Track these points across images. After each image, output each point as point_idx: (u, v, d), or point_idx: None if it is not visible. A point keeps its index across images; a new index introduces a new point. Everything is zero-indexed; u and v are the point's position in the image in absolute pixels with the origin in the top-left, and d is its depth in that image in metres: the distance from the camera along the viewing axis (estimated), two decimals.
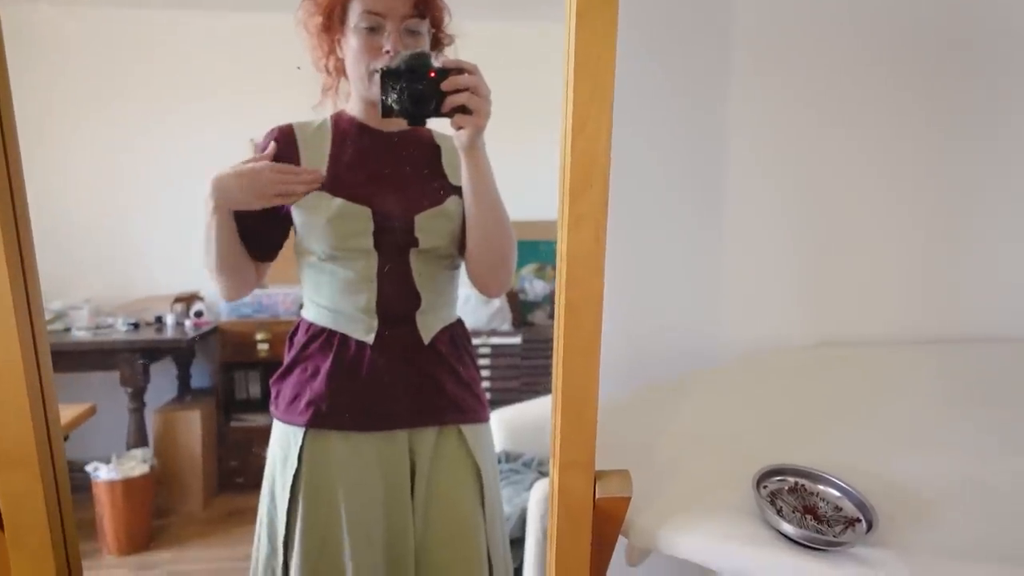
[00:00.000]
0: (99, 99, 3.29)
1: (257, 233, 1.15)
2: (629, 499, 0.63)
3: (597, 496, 0.62)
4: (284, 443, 1.16)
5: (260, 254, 1.18)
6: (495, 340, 3.05)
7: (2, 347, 0.63)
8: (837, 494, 0.71)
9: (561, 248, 0.58)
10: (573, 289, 0.58)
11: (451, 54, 1.23)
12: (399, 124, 1.00)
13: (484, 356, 2.98)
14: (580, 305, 0.58)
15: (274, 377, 1.20)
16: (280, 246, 1.19)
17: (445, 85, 0.95)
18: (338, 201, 1.11)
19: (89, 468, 2.58)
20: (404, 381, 1.16)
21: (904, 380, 1.03)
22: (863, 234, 1.13)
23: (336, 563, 1.13)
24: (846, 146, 1.07)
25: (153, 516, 2.72)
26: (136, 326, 3.01)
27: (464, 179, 1.06)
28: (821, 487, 0.72)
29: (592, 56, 0.51)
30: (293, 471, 1.14)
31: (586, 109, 0.53)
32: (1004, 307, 1.13)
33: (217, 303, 3.21)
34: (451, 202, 1.15)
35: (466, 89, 0.95)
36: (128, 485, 2.56)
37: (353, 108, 1.20)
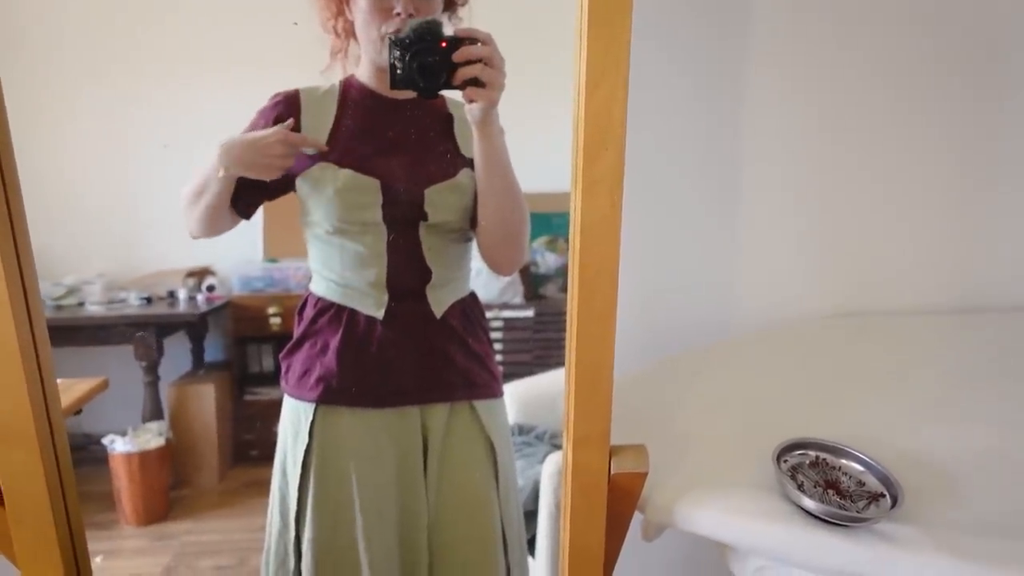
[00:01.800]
0: (107, 72, 3.26)
1: (248, 195, 1.12)
2: (645, 474, 0.61)
3: (612, 472, 0.60)
4: (295, 419, 1.15)
5: (243, 212, 1.16)
6: (507, 313, 3.03)
7: None
8: (860, 468, 0.69)
9: (575, 215, 0.56)
10: (588, 257, 0.55)
11: (465, 15, 1.19)
12: (409, 92, 0.96)
13: (496, 329, 2.97)
14: (595, 273, 0.55)
15: (283, 352, 1.19)
16: (260, 203, 1.16)
17: (457, 56, 0.90)
18: (346, 172, 1.08)
19: (106, 441, 2.61)
20: (415, 356, 1.14)
21: (926, 351, 1.00)
22: (882, 204, 1.09)
23: (349, 538, 1.13)
24: (866, 115, 1.03)
25: (170, 488, 2.76)
26: (149, 300, 3.02)
27: (476, 153, 1.02)
28: (843, 461, 0.70)
29: (607, 5, 0.48)
30: (304, 447, 1.13)
31: (601, 64, 0.50)
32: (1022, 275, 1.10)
33: (229, 277, 3.21)
34: (463, 175, 1.12)
35: (479, 60, 0.90)
36: (144, 457, 2.60)
37: (363, 73, 1.16)
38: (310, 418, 1.13)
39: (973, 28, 1.04)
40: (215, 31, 3.28)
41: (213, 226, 1.13)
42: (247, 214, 1.17)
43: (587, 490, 0.59)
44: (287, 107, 1.13)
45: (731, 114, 0.97)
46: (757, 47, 0.95)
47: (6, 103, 0.71)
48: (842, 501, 0.65)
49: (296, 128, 1.12)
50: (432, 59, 0.90)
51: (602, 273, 0.55)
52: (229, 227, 1.16)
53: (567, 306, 0.59)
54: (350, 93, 1.16)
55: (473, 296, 1.24)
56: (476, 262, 1.27)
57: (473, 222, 1.13)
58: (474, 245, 1.20)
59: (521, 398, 2.04)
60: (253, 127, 1.14)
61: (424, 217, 1.10)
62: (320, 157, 1.11)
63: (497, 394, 1.22)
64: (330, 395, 1.12)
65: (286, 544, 1.16)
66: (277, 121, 1.12)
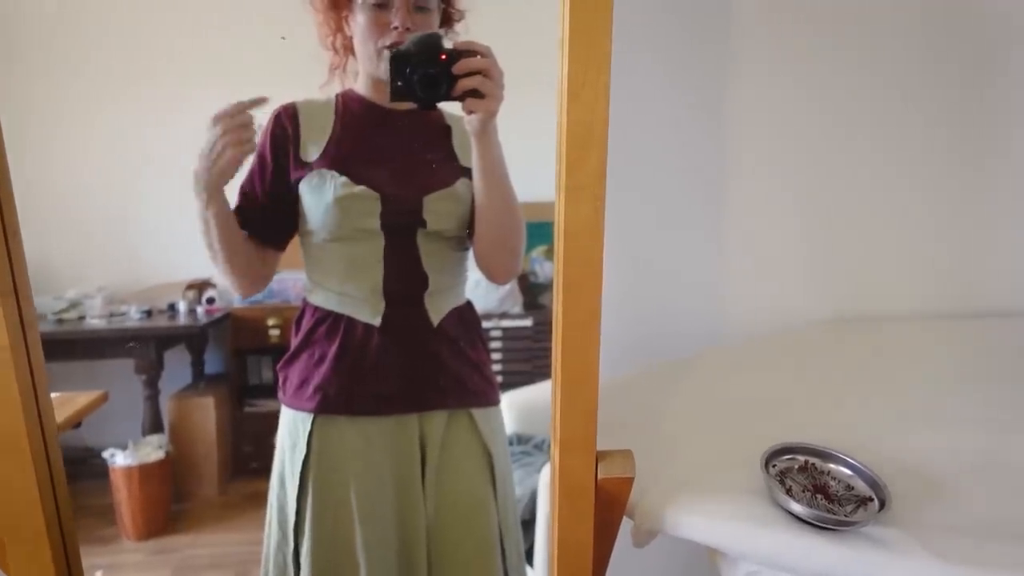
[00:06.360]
0: (111, 88, 3.29)
1: (266, 220, 1.14)
2: (632, 480, 0.61)
3: (599, 477, 0.60)
4: (293, 429, 1.15)
5: (273, 242, 1.17)
6: (506, 323, 3.03)
7: None
8: (849, 472, 0.69)
9: (559, 221, 0.56)
10: (571, 263, 0.56)
11: (462, 30, 1.20)
12: (408, 103, 0.98)
13: (495, 339, 2.97)
14: (579, 280, 0.56)
15: (281, 363, 1.19)
16: (293, 231, 1.16)
17: (457, 68, 0.91)
18: (343, 180, 1.09)
19: (106, 454, 2.60)
20: (413, 364, 1.14)
21: (917, 356, 1.00)
22: (873, 209, 1.09)
23: (348, 549, 1.12)
24: (858, 117, 1.04)
25: (170, 501, 2.75)
26: (149, 313, 3.03)
27: (474, 164, 1.03)
28: (832, 466, 0.70)
29: (588, 14, 0.49)
30: (303, 457, 1.13)
31: (582, 72, 0.51)
32: (1019, 281, 1.10)
33: (229, 290, 3.22)
34: (461, 184, 1.13)
35: (478, 72, 0.92)
36: (144, 471, 2.59)
37: (361, 87, 1.18)
38: (308, 428, 1.13)
39: (967, 31, 1.05)
40: (220, 47, 3.31)
41: (244, 270, 1.13)
42: (279, 244, 1.18)
43: (574, 496, 0.60)
44: (285, 119, 1.14)
45: (720, 117, 0.98)
46: (745, 49, 0.96)
47: (7, 116, 0.71)
48: (830, 505, 0.65)
49: (295, 138, 1.13)
50: (432, 71, 0.91)
51: (586, 278, 0.55)
52: (265, 267, 1.17)
53: (552, 311, 0.59)
54: (347, 104, 1.17)
55: (469, 304, 1.24)
56: (475, 272, 1.27)
57: (470, 231, 1.14)
58: (470, 254, 1.21)
59: (520, 407, 2.05)
60: (260, 146, 1.15)
61: (423, 224, 1.11)
62: (319, 164, 1.12)
63: (494, 402, 1.23)
64: (328, 405, 1.12)
65: (285, 556, 1.16)
66: (277, 137, 1.13)
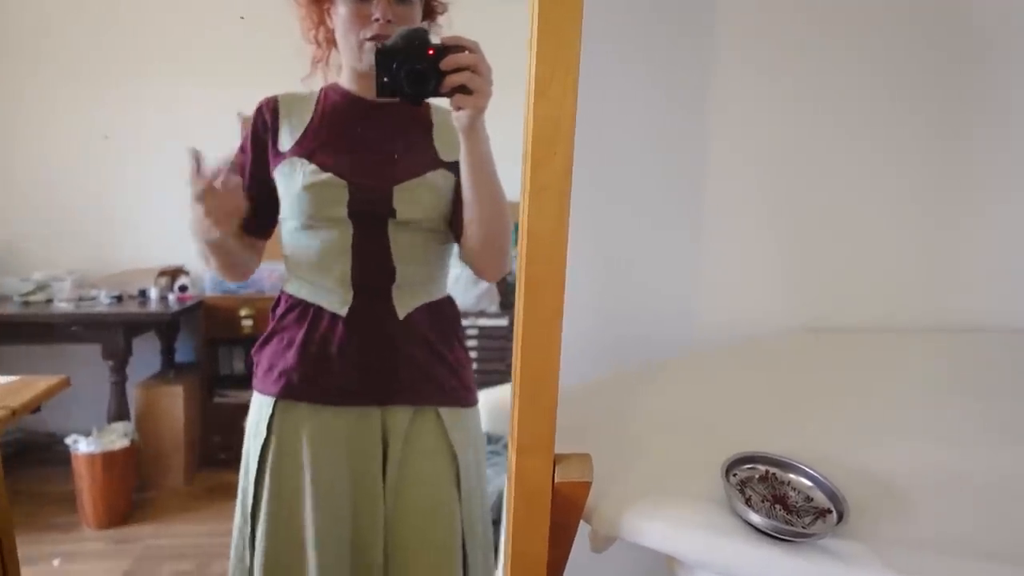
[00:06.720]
0: (87, 72, 3.23)
1: (249, 210, 1.13)
2: (589, 484, 0.60)
3: (556, 480, 0.59)
4: (257, 413, 1.16)
5: (256, 232, 1.20)
6: (483, 322, 3.02)
7: None
8: (809, 484, 0.69)
9: (523, 220, 0.55)
10: (534, 264, 0.54)
11: (444, 23, 1.20)
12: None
13: (471, 337, 2.95)
14: (541, 281, 0.55)
15: (255, 347, 1.21)
16: (275, 221, 1.19)
17: (444, 64, 0.90)
18: (312, 168, 1.10)
19: (69, 440, 2.55)
20: (376, 357, 1.14)
21: (888, 369, 1.00)
22: (852, 219, 1.09)
23: (298, 536, 1.12)
24: (833, 125, 1.03)
25: (134, 490, 2.71)
26: (119, 299, 2.98)
27: (463, 160, 1.01)
28: (792, 476, 0.70)
29: (556, 9, 0.48)
30: (262, 441, 1.14)
31: (549, 68, 0.50)
32: (991, 296, 1.11)
33: (202, 278, 3.17)
34: (436, 175, 1.12)
35: (466, 68, 0.90)
36: (108, 458, 2.55)
37: (344, 80, 1.19)
38: (269, 412, 1.14)
39: (953, 42, 1.05)
40: (196, 36, 3.26)
41: (236, 267, 1.18)
42: (265, 235, 1.23)
43: (530, 498, 0.58)
44: (266, 111, 1.17)
45: (697, 121, 0.97)
46: (724, 51, 0.95)
47: None
48: (788, 516, 0.65)
49: (274, 129, 1.16)
50: (419, 67, 0.90)
51: (549, 280, 0.54)
52: (254, 260, 1.23)
53: (514, 311, 0.58)
54: (330, 98, 1.18)
55: (448, 301, 1.23)
56: (454, 269, 1.26)
57: (456, 227, 1.13)
58: (452, 249, 1.21)
59: (491, 407, 2.03)
60: (243, 139, 1.19)
61: (392, 214, 1.10)
62: (292, 152, 1.13)
63: (466, 403, 1.21)
64: (290, 391, 1.13)
65: (244, 538, 1.16)
66: (258, 128, 1.17)
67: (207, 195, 0.97)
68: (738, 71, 0.96)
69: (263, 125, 1.17)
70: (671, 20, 0.93)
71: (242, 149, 1.18)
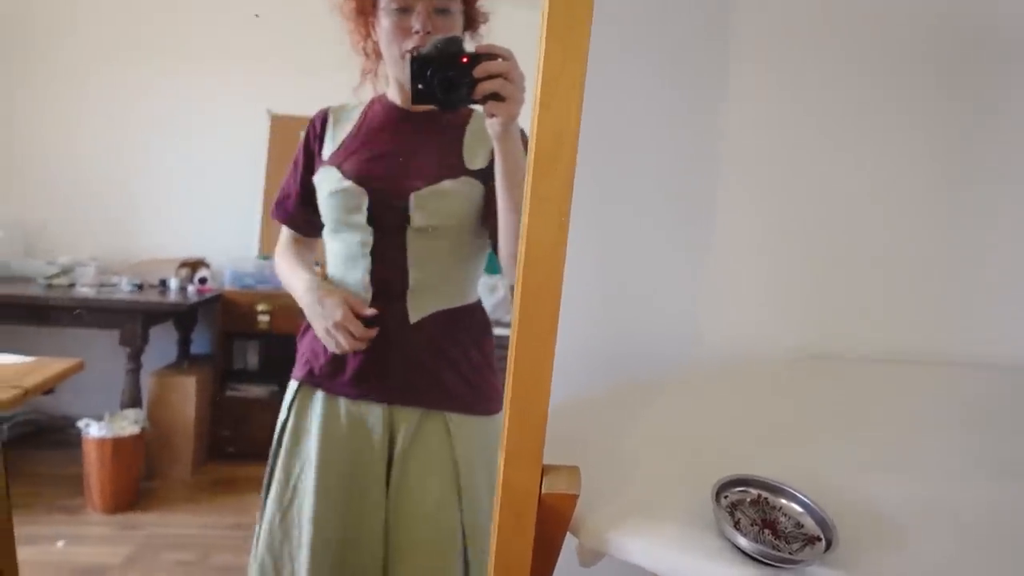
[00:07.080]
0: (116, 60, 3.29)
1: (299, 214, 1.28)
2: (576, 496, 0.60)
3: (543, 492, 0.59)
4: (288, 395, 1.25)
5: (308, 234, 1.32)
6: (499, 331, 3.01)
7: None
8: (799, 510, 0.68)
9: (523, 230, 0.56)
10: (532, 274, 0.55)
11: (486, 33, 1.21)
12: (429, 106, 0.99)
13: None
14: (538, 291, 0.55)
15: (299, 334, 1.29)
16: (321, 224, 1.25)
17: (477, 71, 0.91)
18: (338, 175, 1.15)
19: (80, 424, 2.59)
20: (389, 358, 1.17)
21: (886, 399, 0.99)
22: (858, 249, 1.08)
23: (296, 515, 1.19)
24: (843, 150, 1.02)
25: (141, 478, 2.74)
26: (140, 287, 3.03)
27: (496, 167, 1.02)
28: (783, 501, 0.69)
29: (564, 21, 0.48)
30: (282, 420, 1.23)
31: (555, 81, 0.50)
32: (994, 331, 1.09)
33: (222, 271, 3.21)
34: (457, 183, 1.13)
35: (499, 75, 0.91)
36: (118, 444, 2.58)
37: (390, 91, 1.23)
38: (292, 395, 1.23)
39: (969, 66, 1.04)
40: (226, 28, 3.31)
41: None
42: (317, 235, 1.30)
43: (517, 508, 0.59)
44: (317, 122, 1.25)
45: (706, 143, 0.97)
46: (736, 65, 0.95)
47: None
48: (776, 542, 0.64)
49: (320, 139, 1.24)
50: (452, 74, 0.92)
51: (545, 291, 0.55)
52: (313, 257, 1.36)
53: (511, 321, 0.58)
54: (373, 107, 1.24)
55: (472, 308, 1.24)
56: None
57: (492, 234, 1.14)
58: (481, 256, 1.24)
59: None
60: (298, 149, 1.28)
61: (408, 221, 1.11)
62: (329, 161, 1.19)
63: (479, 411, 1.22)
64: (311, 377, 1.21)
65: (261, 513, 1.25)
66: (310, 137, 1.25)
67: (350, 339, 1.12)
68: (749, 93, 0.96)
69: (314, 135, 1.25)
70: (685, 35, 0.93)
71: (295, 158, 1.27)
